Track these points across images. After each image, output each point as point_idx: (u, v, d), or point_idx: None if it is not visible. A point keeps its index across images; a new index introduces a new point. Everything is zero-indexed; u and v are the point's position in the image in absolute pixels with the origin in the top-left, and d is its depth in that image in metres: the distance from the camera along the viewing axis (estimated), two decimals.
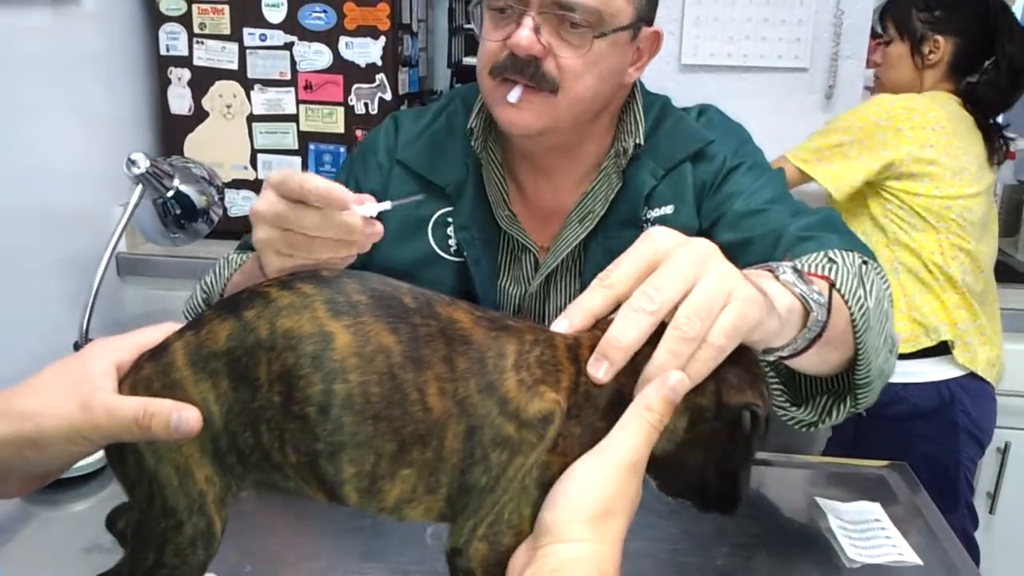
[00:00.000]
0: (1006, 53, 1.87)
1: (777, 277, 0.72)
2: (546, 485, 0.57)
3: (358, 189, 1.10)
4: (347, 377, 0.56)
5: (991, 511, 2.20)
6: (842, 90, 2.42)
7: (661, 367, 0.56)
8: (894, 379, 1.80)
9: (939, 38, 1.87)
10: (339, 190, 0.64)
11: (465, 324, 0.59)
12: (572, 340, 0.60)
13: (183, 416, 0.56)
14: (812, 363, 0.83)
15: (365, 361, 0.56)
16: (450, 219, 1.13)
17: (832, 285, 0.78)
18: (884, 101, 1.87)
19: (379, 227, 0.66)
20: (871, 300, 0.85)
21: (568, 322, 0.60)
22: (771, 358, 0.75)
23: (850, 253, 0.92)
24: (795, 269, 0.74)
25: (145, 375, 0.60)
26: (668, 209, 1.10)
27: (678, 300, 0.57)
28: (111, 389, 0.60)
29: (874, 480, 1.20)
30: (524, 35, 0.98)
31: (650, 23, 1.07)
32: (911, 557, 1.00)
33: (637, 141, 1.10)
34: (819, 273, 0.84)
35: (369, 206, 0.66)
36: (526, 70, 1.00)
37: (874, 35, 2.44)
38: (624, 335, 0.57)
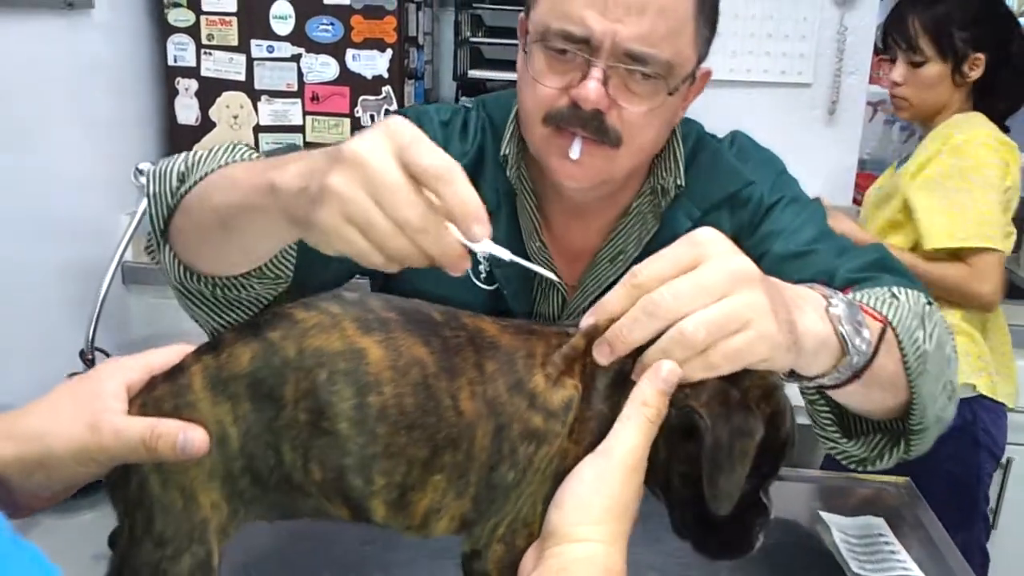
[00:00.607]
0: (1011, 55, 1.88)
1: (827, 309, 0.70)
2: (560, 476, 0.58)
3: None
4: (382, 390, 0.57)
5: (993, 526, 2.20)
6: (845, 106, 2.43)
7: (651, 363, 0.58)
8: None
9: (979, 55, 1.86)
10: (477, 200, 0.56)
11: (492, 332, 0.61)
12: (593, 329, 0.61)
13: (189, 437, 0.56)
14: (858, 401, 0.82)
15: (400, 374, 0.57)
16: None
17: (888, 325, 0.75)
18: (975, 147, 1.81)
19: (467, 265, 0.59)
20: (930, 343, 0.81)
21: (594, 321, 0.61)
22: (804, 385, 0.74)
23: (915, 292, 0.87)
24: (849, 304, 0.71)
25: (157, 395, 0.60)
26: None
27: (696, 311, 0.57)
28: (120, 410, 0.60)
29: (878, 494, 1.20)
30: (592, 87, 0.88)
31: (705, 57, 1.00)
32: (915, 572, 1.00)
33: (678, 182, 1.03)
34: (876, 311, 0.80)
35: (486, 243, 0.58)
36: (589, 124, 0.91)
37: (877, 52, 2.46)
38: (630, 332, 0.58)
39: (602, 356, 0.59)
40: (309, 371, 0.57)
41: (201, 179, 0.83)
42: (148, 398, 0.60)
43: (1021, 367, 2.01)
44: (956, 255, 1.83)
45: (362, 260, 0.57)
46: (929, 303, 0.87)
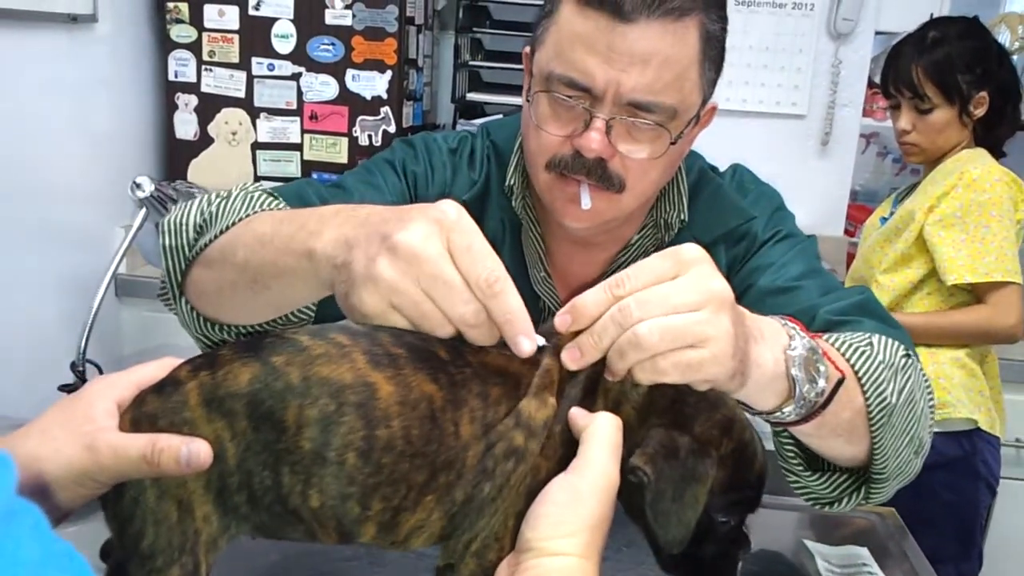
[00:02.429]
0: (1008, 87, 1.91)
1: (785, 350, 0.70)
2: (532, 492, 0.59)
3: (413, 182, 1.05)
4: (391, 423, 0.57)
5: None
6: (838, 137, 2.46)
7: (608, 361, 0.60)
8: None
9: (983, 93, 1.89)
10: (525, 314, 0.59)
11: (498, 361, 0.61)
12: (564, 338, 0.62)
13: (194, 450, 0.56)
14: (813, 443, 0.82)
15: (409, 408, 0.57)
16: None
17: (843, 378, 0.74)
18: (992, 182, 1.83)
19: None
20: (898, 397, 0.80)
21: (570, 319, 0.61)
22: (750, 414, 0.74)
23: (894, 342, 0.85)
24: (811, 349, 0.71)
25: (149, 411, 0.59)
26: None
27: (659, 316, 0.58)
28: (114, 428, 0.59)
29: (863, 525, 1.21)
30: (595, 138, 0.89)
31: (711, 96, 0.99)
32: None
33: (682, 217, 1.04)
34: (845, 357, 0.79)
35: (536, 338, 0.60)
36: (593, 171, 0.91)
37: (870, 85, 2.49)
38: (600, 339, 0.60)
39: (572, 361, 0.61)
40: (316, 400, 0.56)
41: (222, 232, 0.82)
42: (140, 414, 0.60)
43: (1010, 400, 2.03)
44: (972, 293, 1.85)
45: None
46: (907, 355, 0.85)
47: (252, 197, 0.87)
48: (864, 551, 1.11)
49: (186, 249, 0.85)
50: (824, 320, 0.93)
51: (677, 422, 0.62)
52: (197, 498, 0.58)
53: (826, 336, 0.83)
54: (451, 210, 0.60)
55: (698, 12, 0.89)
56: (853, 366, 0.79)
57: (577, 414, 0.61)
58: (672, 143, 0.92)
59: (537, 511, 0.57)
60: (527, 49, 0.99)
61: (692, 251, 0.62)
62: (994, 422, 1.90)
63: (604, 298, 0.60)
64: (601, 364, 0.61)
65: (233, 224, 0.82)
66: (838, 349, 0.80)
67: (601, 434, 0.59)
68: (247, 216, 0.83)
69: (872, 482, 0.84)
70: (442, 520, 0.59)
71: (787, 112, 2.45)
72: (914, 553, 1.14)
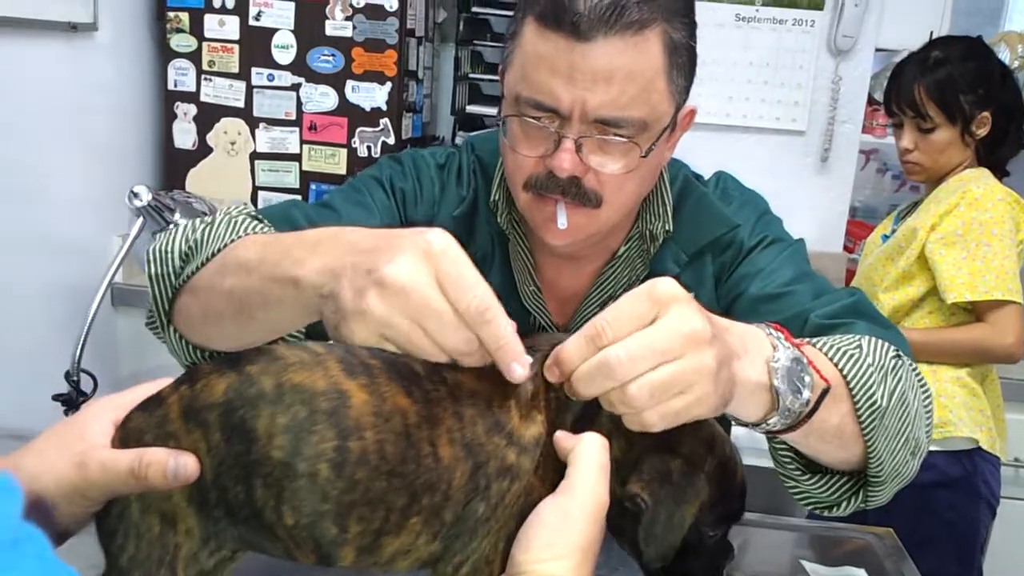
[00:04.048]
0: (1011, 107, 1.91)
1: (768, 361, 0.70)
2: (524, 513, 0.58)
3: (402, 199, 1.05)
4: (363, 435, 0.56)
5: None
6: (838, 154, 2.46)
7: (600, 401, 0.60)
8: None
9: (985, 113, 1.89)
10: (516, 340, 0.59)
11: (470, 383, 0.60)
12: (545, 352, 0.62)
13: (180, 463, 0.56)
14: (804, 448, 0.82)
15: (382, 420, 0.56)
16: None
17: (827, 389, 0.74)
18: (994, 202, 1.83)
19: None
20: (889, 400, 0.80)
21: (558, 372, 0.61)
22: (738, 424, 0.75)
23: (884, 344, 0.85)
24: (796, 360, 0.71)
25: (135, 427, 0.60)
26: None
27: (645, 373, 0.59)
28: (106, 446, 0.60)
29: (860, 545, 1.20)
30: (566, 159, 0.89)
31: (685, 101, 0.99)
32: None
33: (667, 227, 1.04)
34: (834, 363, 0.79)
35: (527, 361, 0.60)
36: (568, 190, 0.92)
37: (870, 101, 2.50)
38: (585, 388, 0.60)
39: (570, 393, 0.61)
40: (288, 407, 0.56)
41: (207, 259, 0.82)
42: (127, 431, 0.60)
43: (1009, 420, 2.02)
44: (972, 312, 1.85)
45: None
46: (898, 356, 0.85)
47: (236, 223, 0.87)
48: (861, 572, 1.10)
49: (172, 277, 0.85)
50: (816, 324, 0.92)
51: (666, 444, 0.62)
52: (180, 511, 0.58)
53: (814, 341, 0.82)
54: (437, 239, 0.59)
55: (659, 22, 0.88)
56: (841, 370, 0.79)
57: (562, 436, 0.61)
58: (643, 156, 0.92)
59: (528, 533, 0.57)
60: (502, 68, 0.98)
61: (666, 287, 0.61)
62: (995, 441, 1.89)
63: (587, 347, 0.60)
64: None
65: (218, 251, 0.81)
66: (826, 354, 0.80)
67: (588, 455, 0.59)
68: (232, 241, 0.82)
69: (869, 485, 0.84)
70: (430, 543, 0.59)
71: (787, 128, 2.45)
72: (911, 574, 1.12)
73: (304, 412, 0.56)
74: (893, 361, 0.84)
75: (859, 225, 2.73)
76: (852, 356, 0.81)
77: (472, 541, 0.59)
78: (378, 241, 0.61)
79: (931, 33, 2.35)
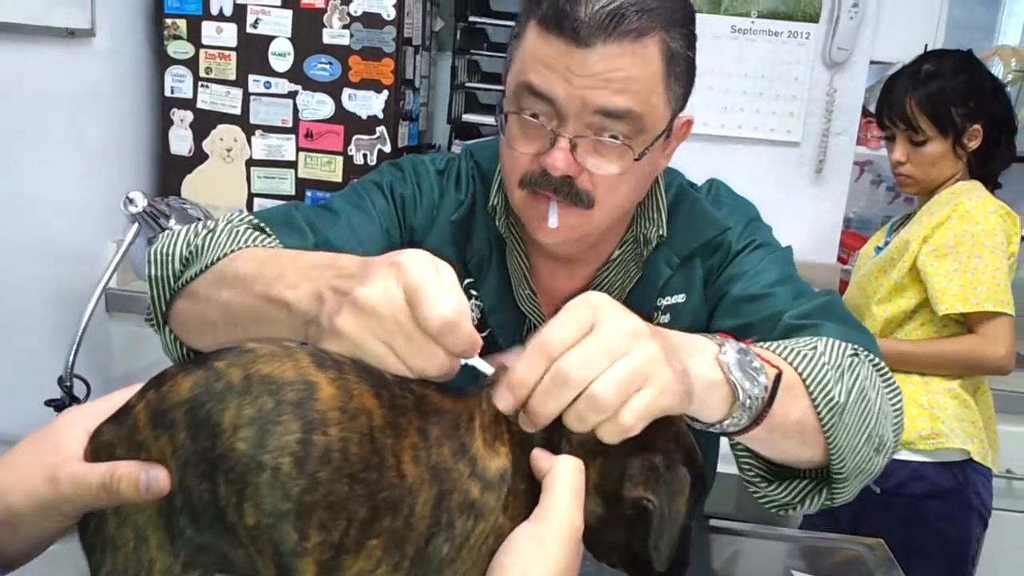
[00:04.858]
0: (1002, 120, 1.92)
1: (717, 356, 0.71)
2: (494, 555, 0.57)
3: (402, 204, 1.07)
4: (327, 430, 0.55)
5: None
6: (832, 165, 2.47)
7: (567, 425, 0.59)
8: (912, 457, 1.84)
9: (977, 126, 1.90)
10: (477, 339, 0.60)
11: (434, 399, 0.60)
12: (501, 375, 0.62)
13: (152, 475, 0.55)
14: (769, 450, 0.83)
15: (348, 417, 0.55)
16: (472, 291, 1.09)
17: (779, 374, 0.75)
18: (985, 214, 1.84)
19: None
20: (847, 396, 0.81)
21: (512, 399, 0.60)
22: (703, 428, 0.75)
23: (840, 344, 0.86)
24: (742, 351, 0.72)
25: (106, 440, 0.58)
26: (680, 298, 1.07)
27: (602, 374, 0.58)
28: (79, 458, 0.58)
29: (851, 556, 1.20)
30: (560, 157, 0.91)
31: (682, 110, 1.01)
32: None
33: (660, 232, 1.06)
34: (774, 360, 0.79)
35: (478, 360, 0.61)
36: (561, 189, 0.94)
37: (865, 113, 2.51)
38: (545, 405, 0.59)
39: (527, 426, 0.60)
40: (256, 398, 0.54)
41: (206, 267, 0.84)
42: (99, 444, 0.58)
43: (1001, 431, 2.02)
44: (964, 323, 1.86)
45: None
46: (855, 355, 0.87)
47: (237, 232, 0.89)
48: None
49: (171, 280, 0.87)
50: (786, 325, 0.94)
51: (642, 445, 0.62)
52: (152, 525, 0.57)
53: (772, 345, 0.84)
54: (409, 259, 0.61)
55: (658, 31, 0.90)
56: (796, 369, 0.80)
57: (539, 456, 0.60)
58: (636, 159, 0.93)
59: (501, 561, 0.57)
60: (504, 66, 1.01)
61: (599, 296, 0.63)
62: (986, 453, 1.90)
63: (538, 362, 0.59)
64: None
65: (218, 259, 0.84)
66: (781, 356, 0.82)
67: (563, 479, 0.58)
68: (232, 251, 0.84)
69: (833, 482, 0.85)
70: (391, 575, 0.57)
71: (782, 139, 2.46)
72: None
73: (271, 403, 0.54)
74: (850, 360, 0.85)
75: (853, 236, 2.74)
76: (806, 356, 0.82)
77: None
78: (361, 266, 0.64)
79: (925, 46, 2.37)
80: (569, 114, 0.91)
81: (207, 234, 0.88)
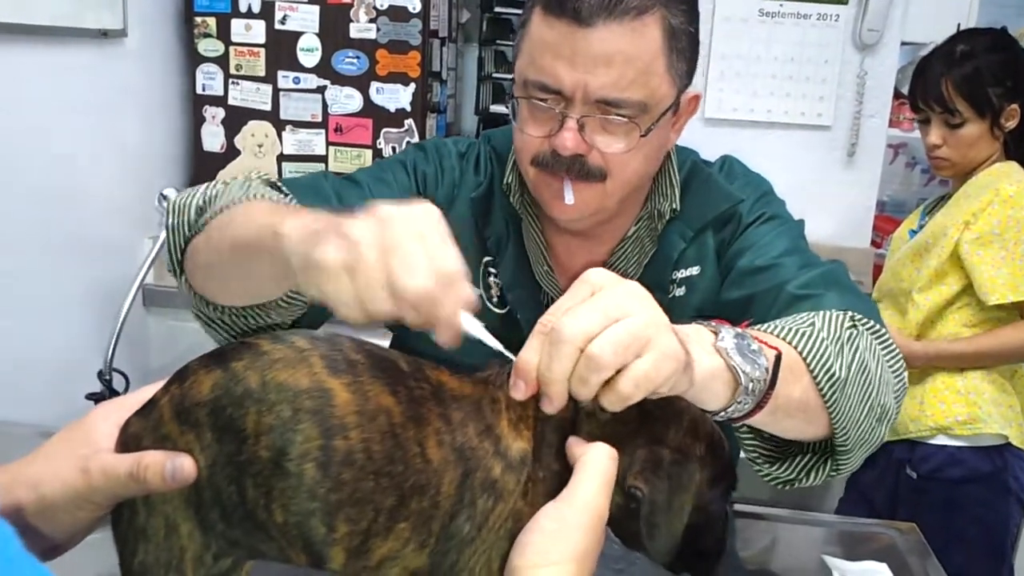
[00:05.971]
0: None
1: (714, 344, 0.71)
2: (515, 537, 0.58)
3: (423, 182, 1.09)
4: (348, 434, 0.56)
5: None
6: (864, 148, 2.44)
7: (573, 392, 0.58)
8: (950, 442, 1.83)
9: (1014, 105, 1.86)
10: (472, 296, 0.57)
11: (452, 384, 0.61)
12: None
13: (177, 464, 0.57)
14: (776, 430, 0.83)
15: (367, 419, 0.56)
16: (491, 269, 1.11)
17: (779, 355, 0.75)
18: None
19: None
20: (848, 370, 0.82)
21: (523, 386, 0.60)
22: (715, 419, 0.74)
23: (839, 315, 0.87)
24: (739, 335, 0.72)
25: (134, 432, 0.60)
26: (695, 270, 1.08)
27: (598, 332, 0.58)
28: (109, 450, 0.61)
29: (884, 540, 1.19)
30: (568, 137, 0.94)
31: (688, 86, 1.02)
32: None
33: (674, 206, 1.07)
34: (771, 342, 0.79)
35: (466, 317, 0.57)
36: (572, 167, 0.97)
37: (897, 95, 2.47)
38: (549, 370, 0.58)
39: (547, 406, 0.60)
40: (272, 405, 0.56)
41: (218, 213, 0.87)
42: (127, 436, 0.61)
43: None
44: (1008, 310, 1.82)
45: (338, 310, 0.57)
46: (853, 327, 0.86)
47: (250, 184, 0.93)
48: (883, 566, 1.09)
49: (186, 228, 0.91)
50: (789, 295, 0.96)
51: (654, 438, 0.62)
52: (180, 515, 0.59)
53: (768, 326, 0.84)
54: (420, 208, 0.59)
55: (657, 8, 0.93)
56: (796, 347, 0.80)
57: (574, 442, 0.61)
58: (643, 135, 0.96)
59: (525, 538, 0.57)
60: (513, 54, 1.04)
61: (601, 272, 0.63)
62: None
63: (539, 339, 0.59)
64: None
65: (228, 207, 0.85)
66: (778, 335, 0.82)
67: (594, 465, 0.59)
68: (242, 198, 0.87)
69: (837, 454, 0.86)
70: (418, 554, 0.58)
71: (813, 123, 2.43)
72: (935, 570, 1.12)
73: (288, 411, 0.56)
74: (849, 332, 0.85)
75: (888, 220, 2.70)
76: (804, 334, 0.82)
77: (460, 559, 0.59)
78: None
79: (958, 25, 2.33)
80: (575, 97, 0.94)
81: (222, 186, 0.93)
